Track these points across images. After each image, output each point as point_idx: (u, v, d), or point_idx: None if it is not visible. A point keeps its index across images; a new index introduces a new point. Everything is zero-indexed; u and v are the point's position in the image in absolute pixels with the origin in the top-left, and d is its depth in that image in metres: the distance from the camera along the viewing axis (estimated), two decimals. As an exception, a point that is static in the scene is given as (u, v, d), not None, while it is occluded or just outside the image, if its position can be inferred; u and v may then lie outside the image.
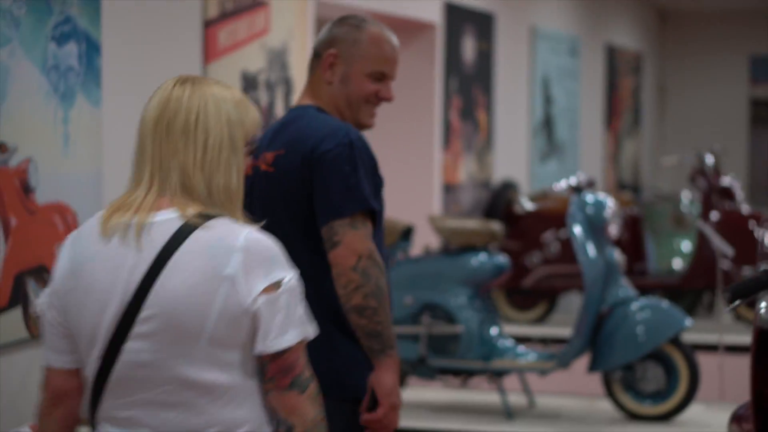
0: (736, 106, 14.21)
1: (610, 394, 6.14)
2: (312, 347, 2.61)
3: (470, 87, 9.16)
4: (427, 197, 8.60)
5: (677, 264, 9.66)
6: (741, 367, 7.79)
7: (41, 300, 2.59)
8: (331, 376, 3.22)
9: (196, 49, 5.32)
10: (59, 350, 2.58)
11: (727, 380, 6.54)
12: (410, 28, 8.36)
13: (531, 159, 10.49)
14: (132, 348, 2.48)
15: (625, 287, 6.13)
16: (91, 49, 4.53)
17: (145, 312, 2.47)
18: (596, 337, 6.08)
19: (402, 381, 6.75)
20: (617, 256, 6.16)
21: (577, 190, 6.23)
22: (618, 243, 8.77)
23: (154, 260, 2.47)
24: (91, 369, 2.53)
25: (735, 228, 8.67)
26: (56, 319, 2.56)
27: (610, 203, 6.18)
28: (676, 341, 6.06)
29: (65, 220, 4.44)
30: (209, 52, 5.45)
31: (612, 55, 12.44)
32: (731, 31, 14.17)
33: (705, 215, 8.76)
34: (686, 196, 9.88)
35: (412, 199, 8.41)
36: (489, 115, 9.54)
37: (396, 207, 8.00)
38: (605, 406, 6.30)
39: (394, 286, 6.34)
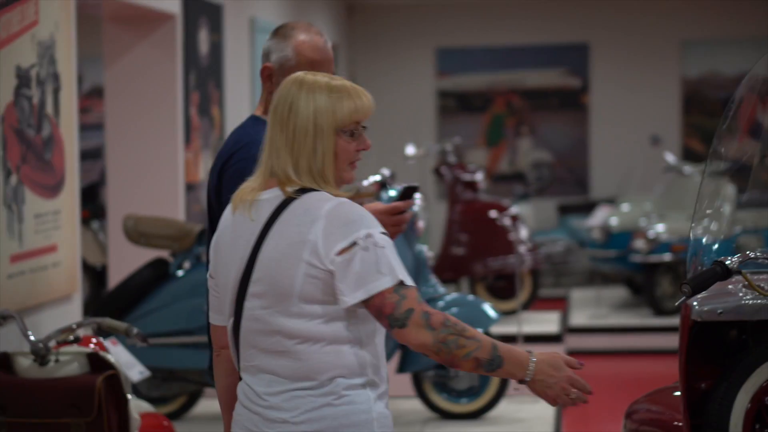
0: (424, 98, 14.45)
1: (421, 394, 6.01)
2: None
3: (206, 81, 8.79)
4: (172, 197, 8.18)
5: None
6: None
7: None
8: None
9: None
10: (215, 309, 3.09)
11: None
12: (151, 19, 7.92)
13: (255, 155, 10.21)
14: (249, 306, 2.96)
15: (434, 283, 6.01)
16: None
17: (255, 274, 2.94)
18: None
19: (199, 393, 6.37)
20: (425, 251, 6.02)
21: (384, 185, 6.05)
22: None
23: (261, 231, 2.94)
24: (228, 325, 3.02)
25: (477, 218, 8.77)
26: (211, 284, 3.07)
27: (417, 197, 6.03)
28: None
29: None
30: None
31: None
32: (418, 24, 14.38)
33: (451, 206, 8.80)
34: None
35: (156, 199, 7.99)
36: (221, 110, 9.20)
37: (141, 207, 7.56)
38: (415, 405, 6.15)
39: (195, 292, 5.97)
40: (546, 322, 8.70)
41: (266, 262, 2.92)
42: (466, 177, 8.81)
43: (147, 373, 5.02)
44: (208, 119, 8.88)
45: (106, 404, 4.42)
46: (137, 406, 4.82)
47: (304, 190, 2.91)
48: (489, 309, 5.97)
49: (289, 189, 2.92)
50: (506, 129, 14.57)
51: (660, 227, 10.76)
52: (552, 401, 2.93)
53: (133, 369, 5.13)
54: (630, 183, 12.66)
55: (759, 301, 3.65)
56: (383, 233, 2.90)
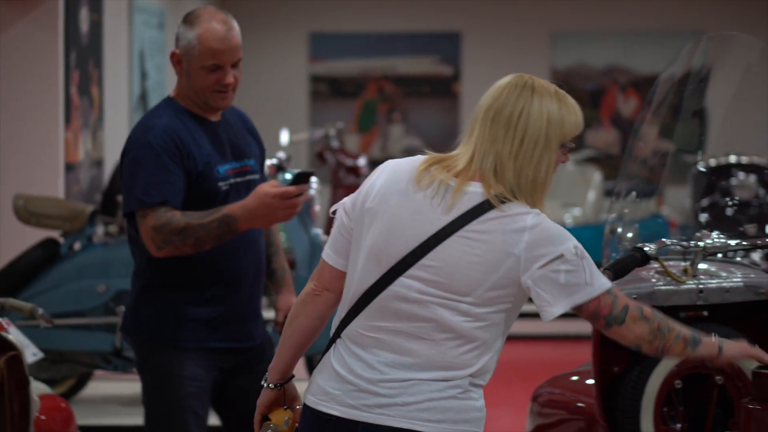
0: (296, 83, 14.43)
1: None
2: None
3: (86, 60, 8.66)
4: (52, 177, 8.05)
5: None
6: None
7: (342, 202, 2.93)
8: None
9: None
10: (338, 251, 2.93)
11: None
12: (33, -3, 7.79)
13: (131, 136, 10.09)
14: (405, 283, 2.85)
15: (328, 267, 6.03)
16: None
17: (428, 260, 2.84)
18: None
19: (89, 376, 6.29)
20: (321, 235, 6.04)
21: (280, 168, 6.05)
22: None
23: (454, 221, 2.84)
24: (361, 284, 2.87)
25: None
26: (347, 225, 2.91)
27: (313, 181, 6.05)
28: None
29: None
30: None
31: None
32: (291, 8, 14.34)
33: (334, 191, 8.83)
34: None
35: (36, 179, 7.86)
36: (101, 90, 9.07)
37: (21, 186, 7.42)
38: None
39: (85, 273, 5.89)
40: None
41: (450, 256, 2.84)
42: (349, 162, 8.84)
43: (41, 355, 4.93)
44: (88, 99, 8.75)
45: (8, 385, 4.34)
46: (36, 388, 4.74)
47: (505, 198, 2.83)
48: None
49: (494, 192, 2.82)
50: (378, 115, 14.64)
51: (533, 215, 10.93)
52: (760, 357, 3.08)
53: (26, 350, 5.04)
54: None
55: (672, 287, 3.76)
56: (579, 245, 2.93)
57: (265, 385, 3.06)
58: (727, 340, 3.03)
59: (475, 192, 2.84)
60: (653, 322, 2.91)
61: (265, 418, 3.07)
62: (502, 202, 2.82)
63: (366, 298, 2.87)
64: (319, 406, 2.89)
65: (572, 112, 2.91)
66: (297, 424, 3.03)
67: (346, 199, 2.95)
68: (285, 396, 3.04)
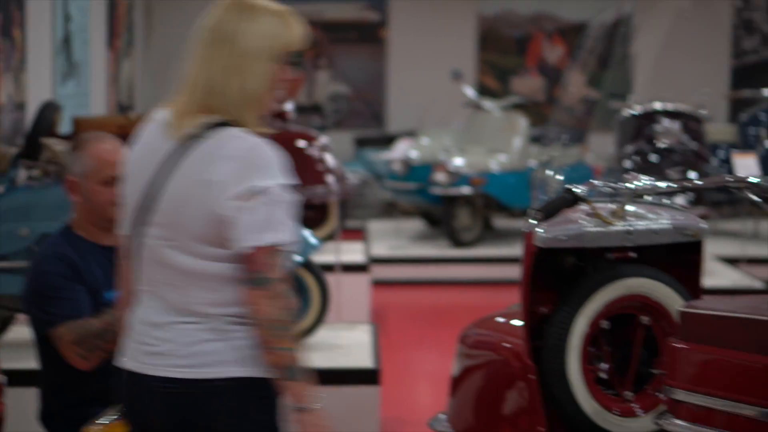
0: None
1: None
2: None
3: (8, 2, 8.48)
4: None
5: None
6: (351, 285, 7.92)
7: None
8: None
9: None
10: (121, 218, 3.03)
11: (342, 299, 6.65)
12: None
13: (54, 79, 9.93)
14: (150, 232, 2.91)
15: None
16: None
17: (158, 205, 2.87)
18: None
19: (11, 319, 6.21)
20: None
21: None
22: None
23: (169, 160, 2.86)
24: (131, 243, 2.97)
25: (286, 147, 8.76)
26: (121, 192, 3.01)
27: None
28: (306, 264, 6.02)
29: None
30: None
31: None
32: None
33: (260, 135, 8.77)
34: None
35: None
36: (23, 32, 8.89)
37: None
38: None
39: (8, 216, 5.80)
40: (352, 252, 8.78)
41: (171, 195, 2.86)
42: (275, 107, 8.77)
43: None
44: (10, 41, 8.58)
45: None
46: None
47: (223, 125, 2.81)
48: (310, 236, 5.99)
49: (206, 121, 2.81)
50: (304, 61, 14.54)
51: (460, 161, 10.96)
52: None
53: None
54: (429, 117, 12.83)
55: (601, 228, 3.78)
56: (288, 185, 2.83)
57: None
58: (311, 416, 2.88)
59: (191, 125, 2.84)
60: (281, 315, 2.81)
61: None
62: (214, 128, 2.81)
63: (137, 253, 2.96)
64: (120, 363, 3.02)
65: (289, 27, 2.89)
66: None
67: None
68: None
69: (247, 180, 2.77)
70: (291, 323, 2.82)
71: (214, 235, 2.83)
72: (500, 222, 12.19)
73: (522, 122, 11.47)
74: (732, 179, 3.79)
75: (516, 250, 3.67)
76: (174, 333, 2.91)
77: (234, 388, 2.89)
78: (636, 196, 3.81)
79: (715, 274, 9.08)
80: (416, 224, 12.63)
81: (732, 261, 9.90)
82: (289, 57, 2.89)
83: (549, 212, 3.61)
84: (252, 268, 2.80)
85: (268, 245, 2.79)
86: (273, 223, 2.79)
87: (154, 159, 2.89)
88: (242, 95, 2.84)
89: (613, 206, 3.83)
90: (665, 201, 4.14)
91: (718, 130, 11.77)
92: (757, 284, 8.66)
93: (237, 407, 2.90)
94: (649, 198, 4.01)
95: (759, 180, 3.76)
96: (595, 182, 3.74)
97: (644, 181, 3.80)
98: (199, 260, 2.85)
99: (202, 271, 2.86)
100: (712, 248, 10.31)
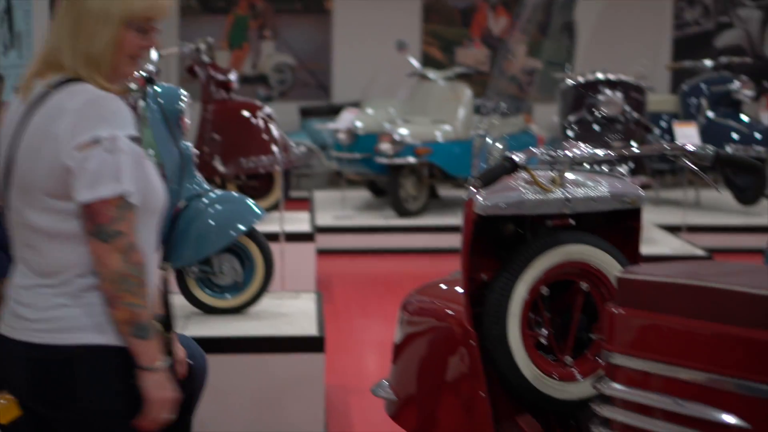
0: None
1: (185, 290, 6.00)
2: None
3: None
4: None
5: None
6: (297, 255, 7.93)
7: None
8: None
9: None
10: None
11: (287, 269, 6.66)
12: None
13: (-4, 49, 9.84)
14: (11, 195, 2.95)
15: (199, 180, 5.98)
16: None
17: (15, 166, 2.91)
18: (171, 233, 5.89)
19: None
20: (191, 148, 5.98)
21: (149, 80, 5.96)
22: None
23: (22, 121, 2.90)
24: (5, 210, 3.00)
25: (231, 117, 8.76)
26: None
27: (183, 93, 5.98)
28: (250, 232, 6.02)
29: None
30: None
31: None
32: None
33: (204, 106, 8.75)
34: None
35: None
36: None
37: None
38: (179, 301, 6.13)
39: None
40: (297, 221, 8.79)
41: (23, 154, 2.89)
42: (220, 77, 8.74)
43: None
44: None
45: None
46: None
47: (70, 81, 2.87)
48: (254, 206, 6.00)
49: (53, 79, 2.88)
50: (249, 31, 14.48)
51: (404, 131, 10.99)
52: (153, 401, 2.93)
53: None
54: (374, 87, 12.83)
55: (539, 196, 3.81)
56: (133, 138, 2.84)
57: None
58: (159, 377, 2.91)
59: (41, 85, 2.91)
60: (128, 269, 2.82)
61: None
62: (61, 85, 2.87)
63: (7, 219, 3.02)
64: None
65: None
66: None
67: None
68: None
69: (89, 130, 2.79)
70: (139, 278, 2.81)
71: (63, 189, 2.83)
72: (445, 191, 12.23)
73: (467, 92, 11.51)
74: (669, 147, 3.84)
75: (461, 219, 3.71)
76: (35, 297, 2.92)
77: (92, 357, 2.88)
78: (574, 163, 3.85)
79: (656, 242, 9.17)
80: (362, 194, 12.65)
81: (673, 229, 10.01)
82: (149, 24, 2.94)
83: (488, 180, 3.64)
84: (96, 220, 2.81)
85: (110, 196, 2.80)
86: (115, 173, 2.79)
87: (11, 124, 2.95)
88: (87, 57, 2.88)
89: (552, 174, 3.87)
90: (605, 169, 4.19)
91: (660, 100, 11.87)
92: (698, 252, 8.76)
93: (95, 376, 2.89)
94: (588, 166, 4.05)
95: (695, 148, 3.81)
96: (534, 150, 3.77)
97: (583, 149, 3.84)
98: (52, 217, 2.86)
99: (57, 231, 2.86)
100: (653, 217, 10.42)
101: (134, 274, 2.81)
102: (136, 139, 2.85)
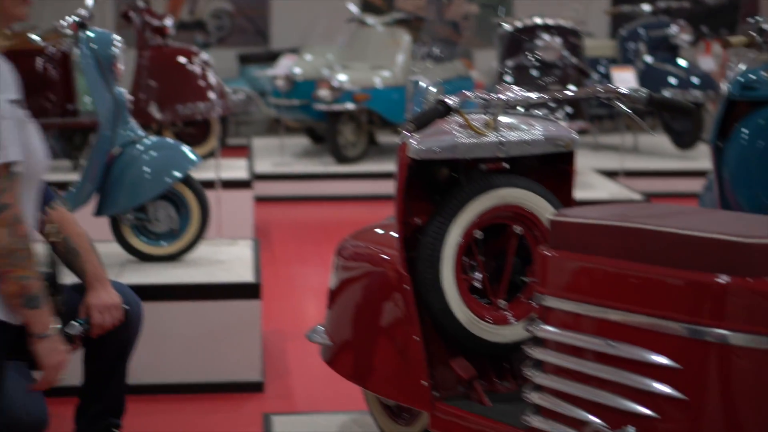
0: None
1: (120, 237, 5.94)
2: None
3: None
4: None
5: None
6: (235, 202, 7.88)
7: None
8: None
9: None
10: None
11: (225, 216, 6.63)
12: None
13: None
14: None
15: (133, 126, 5.92)
16: None
17: None
18: (105, 180, 5.83)
19: None
20: (125, 94, 5.91)
21: (82, 26, 5.87)
22: (47, 81, 8.45)
23: None
24: None
25: (166, 64, 8.68)
26: None
27: (117, 39, 5.89)
28: (186, 179, 5.97)
29: None
30: None
31: None
32: None
33: (139, 52, 8.65)
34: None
35: None
36: None
37: None
38: (114, 249, 6.08)
39: None
40: (235, 168, 8.74)
41: None
42: (156, 22, 8.64)
43: None
44: None
45: None
46: None
47: None
48: (189, 152, 5.94)
49: None
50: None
51: (343, 77, 10.94)
52: (48, 366, 2.91)
53: None
54: (313, 33, 12.74)
55: (473, 140, 3.80)
56: (13, 102, 2.74)
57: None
58: (51, 342, 2.90)
59: None
60: (15, 242, 2.77)
61: None
62: None
63: None
64: None
65: None
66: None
67: None
68: None
69: None
70: (27, 250, 2.75)
71: None
72: (384, 138, 12.21)
73: (405, 38, 11.45)
74: (602, 90, 3.84)
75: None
76: None
77: None
78: (508, 107, 3.83)
79: (593, 187, 9.22)
80: (301, 141, 12.60)
81: (611, 174, 10.06)
82: None
83: (421, 123, 3.62)
84: None
85: None
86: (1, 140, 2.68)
87: None
88: None
89: (486, 118, 3.85)
90: (540, 113, 4.18)
91: (599, 45, 11.89)
92: (635, 196, 8.82)
93: None
94: (523, 110, 4.04)
95: (628, 90, 3.81)
96: (468, 93, 3.75)
97: (516, 92, 3.82)
98: None
99: None
100: (591, 161, 10.47)
101: (22, 247, 2.75)
102: (16, 102, 2.73)
